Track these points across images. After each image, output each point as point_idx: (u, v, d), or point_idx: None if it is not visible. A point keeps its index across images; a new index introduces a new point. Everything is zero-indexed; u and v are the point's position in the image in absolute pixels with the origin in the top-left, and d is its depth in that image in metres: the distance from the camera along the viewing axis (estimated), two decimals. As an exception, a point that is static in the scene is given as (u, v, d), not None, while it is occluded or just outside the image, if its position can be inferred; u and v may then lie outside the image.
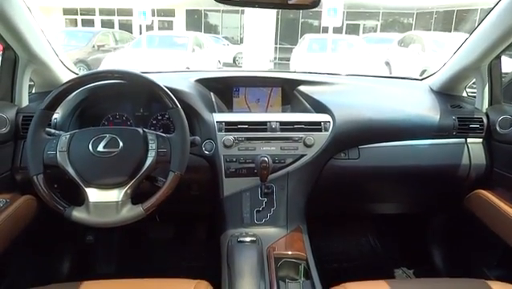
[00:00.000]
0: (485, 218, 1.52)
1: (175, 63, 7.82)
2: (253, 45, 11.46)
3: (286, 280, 1.15)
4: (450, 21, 14.73)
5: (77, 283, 1.13)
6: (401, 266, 2.02)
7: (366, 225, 2.23)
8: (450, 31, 13.09)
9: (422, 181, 1.62)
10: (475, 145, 1.57)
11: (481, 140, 1.58)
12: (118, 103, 1.55)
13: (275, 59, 13.14)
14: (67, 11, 17.29)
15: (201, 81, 1.60)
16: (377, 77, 1.99)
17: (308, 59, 8.52)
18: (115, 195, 1.12)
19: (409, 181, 1.63)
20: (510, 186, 1.45)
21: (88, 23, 17.19)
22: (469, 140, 1.58)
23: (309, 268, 1.20)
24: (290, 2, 1.19)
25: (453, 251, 1.89)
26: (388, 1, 13.36)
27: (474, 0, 11.86)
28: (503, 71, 1.57)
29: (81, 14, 17.57)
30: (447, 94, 1.71)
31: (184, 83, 1.53)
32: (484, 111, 1.59)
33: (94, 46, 10.15)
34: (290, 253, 1.25)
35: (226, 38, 15.69)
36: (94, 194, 1.12)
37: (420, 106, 1.62)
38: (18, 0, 1.25)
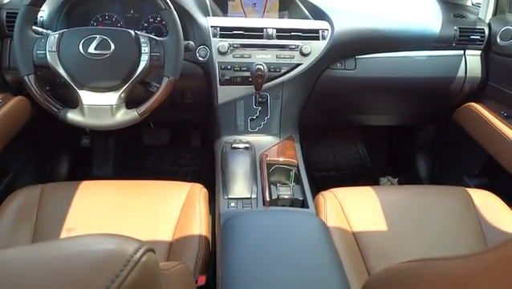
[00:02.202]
0: (472, 130, 1.56)
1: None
2: None
3: (278, 184, 1.21)
4: None
5: (75, 183, 1.18)
6: (387, 176, 2.13)
7: (356, 135, 2.29)
8: None
9: (416, 93, 1.63)
10: (473, 57, 1.56)
11: (479, 52, 1.56)
12: (107, 3, 1.47)
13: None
14: None
15: None
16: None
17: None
18: (109, 98, 1.12)
19: (404, 93, 1.63)
20: (502, 99, 1.47)
21: None
22: (467, 51, 1.55)
23: (299, 174, 1.25)
24: None
25: (438, 162, 1.98)
26: None
27: None
28: None
29: None
30: (451, 2, 1.64)
31: None
32: (487, 21, 1.54)
33: None
34: (281, 159, 1.30)
35: None
36: (88, 97, 1.12)
37: (423, 16, 1.56)
38: None
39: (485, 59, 1.55)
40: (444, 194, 1.23)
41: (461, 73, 1.55)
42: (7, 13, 1.33)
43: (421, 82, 1.56)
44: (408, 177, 2.07)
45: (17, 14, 1.10)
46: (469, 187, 1.32)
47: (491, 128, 1.40)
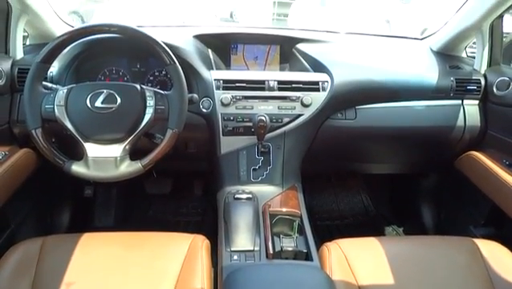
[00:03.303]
0: (475, 179, 1.56)
1: (170, 14, 7.58)
2: (250, -2, 11.06)
3: (281, 236, 1.19)
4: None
5: (76, 235, 1.17)
6: (392, 225, 2.10)
7: (359, 184, 2.28)
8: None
9: (417, 142, 1.64)
10: (471, 107, 1.58)
11: (477, 102, 1.59)
12: (115, 58, 1.53)
13: (274, 14, 12.77)
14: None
15: (198, 37, 1.56)
16: (377, 36, 1.96)
17: (307, 14, 8.28)
18: (113, 150, 1.14)
19: (404, 142, 1.65)
20: (503, 148, 1.48)
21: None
22: (465, 101, 1.58)
23: (303, 224, 1.24)
24: None
25: (443, 210, 1.96)
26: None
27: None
28: (505, 30, 1.56)
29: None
30: (446, 54, 1.70)
31: (182, 39, 1.50)
32: (482, 72, 1.59)
33: (86, -4, 9.76)
34: (284, 210, 1.29)
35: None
36: (93, 149, 1.14)
37: (419, 67, 1.61)
38: None
39: (484, 109, 1.58)
40: (450, 245, 1.21)
41: (460, 122, 1.57)
42: (19, 69, 1.39)
43: (421, 131, 1.58)
44: (413, 225, 2.04)
45: (28, 70, 1.15)
46: (476, 237, 1.29)
47: (494, 177, 1.40)
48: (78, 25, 1.64)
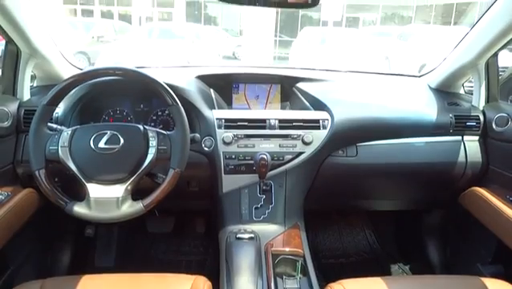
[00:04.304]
0: (480, 215, 1.54)
1: (174, 54, 7.79)
2: (252, 37, 11.42)
3: (284, 277, 1.17)
4: (450, 14, 14.66)
5: (75, 277, 1.15)
6: (397, 262, 2.05)
7: (363, 221, 2.25)
8: (450, 25, 13.04)
9: (419, 178, 1.64)
10: (471, 143, 1.59)
11: (477, 137, 1.60)
12: (119, 99, 1.56)
13: (275, 54, 13.11)
14: (67, 1, 17.16)
15: (201, 77, 1.61)
16: (376, 74, 2.00)
17: (308, 53, 8.50)
18: (115, 191, 1.14)
19: (406, 179, 1.65)
20: (506, 184, 1.47)
21: (88, 13, 17.07)
22: (465, 137, 1.59)
23: (306, 265, 1.22)
24: (289, 1, 1.19)
25: (449, 247, 1.92)
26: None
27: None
28: (505, 64, 1.59)
29: (81, 4, 17.44)
30: (444, 91, 1.72)
31: (184, 80, 1.54)
32: (481, 108, 1.61)
33: (93, 37, 10.11)
34: (287, 250, 1.27)
35: (226, 30, 15.61)
36: (95, 190, 1.14)
37: (418, 104, 1.64)
38: None
39: (484, 144, 1.59)
40: (458, 286, 1.18)
41: (461, 158, 1.57)
42: (25, 110, 1.42)
43: (423, 167, 1.58)
44: (419, 263, 1.99)
45: (34, 111, 1.18)
46: (484, 276, 1.26)
47: (498, 214, 1.39)
48: (85, 66, 1.69)
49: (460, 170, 1.58)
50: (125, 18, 15.31)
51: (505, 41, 1.41)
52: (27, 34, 1.34)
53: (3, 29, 1.29)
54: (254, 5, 1.24)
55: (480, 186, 1.56)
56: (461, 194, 1.63)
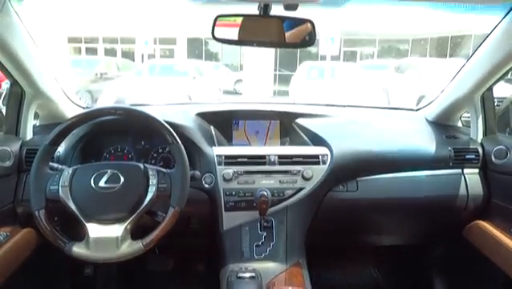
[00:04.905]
0: (485, 250, 1.51)
1: (176, 90, 7.93)
2: (252, 72, 11.66)
3: None
4: (445, 47, 15.00)
5: None
6: None
7: (366, 256, 2.21)
8: (446, 57, 13.31)
9: (421, 212, 1.63)
10: (472, 176, 1.59)
11: (477, 170, 1.60)
12: (120, 137, 1.58)
13: (274, 88, 13.35)
14: (71, 40, 17.64)
15: (201, 115, 1.63)
16: (374, 108, 2.03)
17: (307, 87, 8.63)
18: (115, 230, 1.13)
19: (408, 213, 1.63)
20: (509, 217, 1.46)
21: (92, 51, 17.51)
22: (465, 170, 1.59)
23: None
24: (287, 41, 1.23)
25: (454, 282, 1.88)
26: (383, 28, 13.64)
27: (467, 26, 12.08)
28: (503, 95, 1.61)
29: (85, 43, 17.93)
30: (442, 124, 1.74)
31: (185, 117, 1.57)
32: (479, 141, 1.62)
33: (97, 74, 10.32)
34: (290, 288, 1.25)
35: (226, 65, 15.93)
36: (94, 229, 1.13)
37: (416, 137, 1.65)
38: (25, 37, 1.30)
39: (485, 177, 1.58)
40: None
41: (462, 191, 1.57)
42: (27, 149, 1.43)
43: (424, 201, 1.57)
44: None
45: (36, 150, 1.19)
46: None
47: (504, 249, 1.37)
48: (87, 103, 1.72)
49: (462, 203, 1.57)
50: (128, 55, 15.69)
51: (498, 76, 1.44)
52: (32, 76, 1.38)
53: (9, 71, 1.33)
54: (252, 45, 1.28)
55: (483, 219, 1.55)
56: (465, 228, 1.61)
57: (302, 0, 1.09)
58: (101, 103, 7.64)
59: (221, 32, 1.22)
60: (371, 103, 6.93)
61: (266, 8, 1.16)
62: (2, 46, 1.21)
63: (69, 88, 1.65)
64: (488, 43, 1.41)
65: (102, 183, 1.16)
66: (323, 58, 8.76)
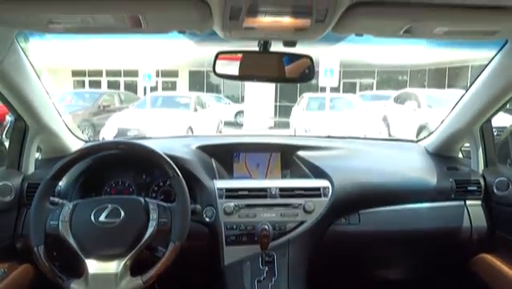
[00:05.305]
0: (490, 283, 1.48)
1: (177, 122, 8.00)
2: (253, 103, 11.80)
3: None
4: (443, 77, 15.21)
5: None
6: None
7: None
8: (444, 87, 13.48)
9: (424, 244, 1.60)
10: (474, 208, 1.58)
11: (479, 202, 1.59)
12: (121, 170, 1.58)
13: (275, 118, 13.46)
14: (75, 73, 17.98)
15: (201, 148, 1.64)
16: (374, 140, 2.04)
17: (307, 118, 8.71)
18: (114, 266, 1.12)
19: (412, 246, 1.61)
20: None
21: (95, 84, 17.80)
22: (468, 202, 1.59)
23: None
24: (287, 76, 1.26)
25: None
26: (382, 59, 13.90)
27: (464, 56, 12.30)
28: (503, 124, 1.62)
29: (89, 76, 18.26)
30: (443, 155, 1.74)
31: (186, 150, 1.58)
32: (480, 172, 1.62)
33: (100, 107, 10.47)
34: None
35: (228, 96, 16.16)
36: (93, 265, 1.12)
37: (417, 169, 1.65)
38: (30, 73, 1.33)
39: (488, 209, 1.57)
40: None
41: (466, 223, 1.55)
42: (29, 184, 1.44)
43: (428, 233, 1.56)
44: None
45: (38, 184, 1.19)
46: None
47: (509, 282, 1.34)
48: (90, 135, 1.73)
49: (466, 235, 1.55)
50: (131, 87, 15.93)
51: (495, 108, 1.46)
52: (36, 111, 1.40)
53: (13, 107, 1.35)
54: (253, 80, 1.31)
55: (488, 252, 1.52)
56: (470, 261, 1.58)
57: (300, 37, 1.12)
58: (103, 136, 7.70)
59: (222, 68, 1.25)
60: (372, 135, 6.98)
61: (265, 45, 1.19)
62: (9, 83, 1.24)
63: (71, 121, 1.67)
64: (484, 77, 1.44)
65: (102, 218, 1.15)
66: (323, 89, 8.88)
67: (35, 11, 0.89)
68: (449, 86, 13.72)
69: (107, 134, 7.63)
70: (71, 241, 1.13)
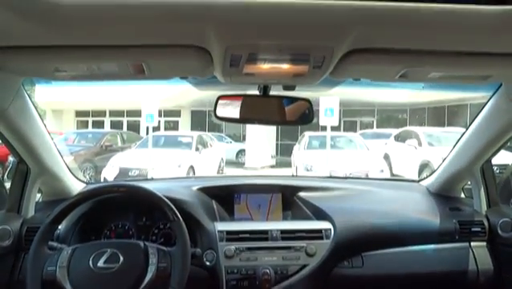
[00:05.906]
0: None
1: (179, 162, 8.02)
2: (254, 142, 11.87)
3: None
4: (442, 115, 15.37)
5: None
6: None
7: None
8: (444, 125, 13.58)
9: (430, 288, 1.56)
10: (480, 249, 1.55)
11: (484, 243, 1.56)
12: (121, 213, 1.57)
13: (277, 156, 13.49)
14: (79, 113, 18.26)
15: (202, 189, 1.64)
16: (375, 180, 2.04)
17: (308, 156, 8.73)
18: None
19: None
20: None
21: (99, 124, 18.01)
22: (472, 243, 1.56)
23: None
24: (287, 120, 1.28)
25: None
26: (381, 98, 14.11)
27: (462, 95, 12.48)
28: (505, 162, 1.61)
29: (92, 116, 18.51)
30: (444, 195, 1.73)
31: (186, 192, 1.57)
32: (483, 213, 1.60)
33: (102, 147, 10.53)
34: None
35: (229, 135, 16.29)
36: None
37: (420, 210, 1.63)
38: (34, 118, 1.35)
39: (493, 250, 1.54)
40: None
41: (472, 265, 1.52)
42: (28, 228, 1.42)
43: (432, 276, 1.52)
44: None
45: (37, 228, 1.18)
46: None
47: None
48: (90, 178, 1.74)
49: (472, 278, 1.51)
50: (134, 127, 16.10)
51: (494, 149, 1.47)
52: (38, 154, 1.41)
53: (16, 150, 1.36)
54: (254, 123, 1.33)
55: None
56: None
57: (298, 82, 1.15)
58: (105, 175, 7.69)
59: (223, 111, 1.27)
60: (374, 173, 6.96)
61: (265, 89, 1.22)
62: (13, 128, 1.26)
63: (73, 162, 1.68)
64: (481, 118, 1.46)
65: (101, 263, 1.14)
66: (324, 128, 8.95)
67: (41, 60, 0.91)
68: (449, 124, 13.83)
69: (109, 174, 7.63)
70: (68, 287, 1.10)
